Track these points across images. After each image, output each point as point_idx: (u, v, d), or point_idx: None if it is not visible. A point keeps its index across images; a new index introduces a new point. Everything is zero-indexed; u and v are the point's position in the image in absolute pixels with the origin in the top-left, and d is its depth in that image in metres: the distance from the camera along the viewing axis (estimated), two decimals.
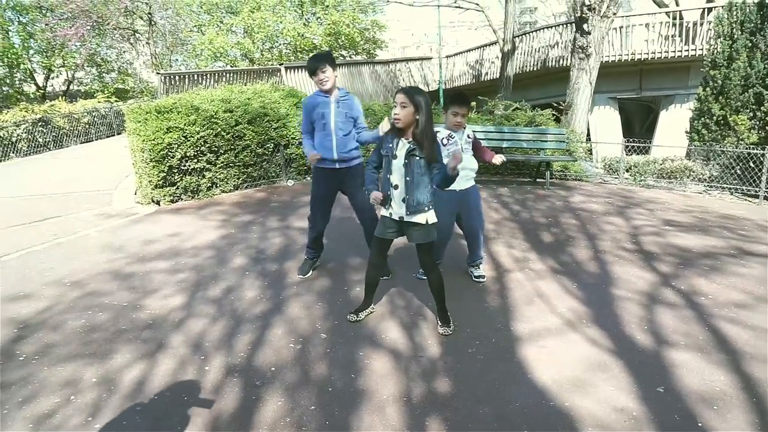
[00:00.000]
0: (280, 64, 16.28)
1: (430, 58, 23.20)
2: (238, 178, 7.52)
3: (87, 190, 8.14)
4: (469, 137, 3.87)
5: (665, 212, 6.32)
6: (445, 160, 3.77)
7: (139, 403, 2.64)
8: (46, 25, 20.22)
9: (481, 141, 4.05)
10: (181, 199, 7.03)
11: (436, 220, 3.17)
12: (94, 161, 11.56)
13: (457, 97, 3.78)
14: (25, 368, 2.98)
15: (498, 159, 3.96)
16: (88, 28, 20.19)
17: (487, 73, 20.13)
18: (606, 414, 2.50)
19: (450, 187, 3.81)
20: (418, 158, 2.99)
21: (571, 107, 10.48)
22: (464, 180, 3.83)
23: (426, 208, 3.09)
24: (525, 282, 4.14)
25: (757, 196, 7.41)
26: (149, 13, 21.91)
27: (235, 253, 4.91)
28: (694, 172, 8.38)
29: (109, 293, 4.02)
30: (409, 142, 3.00)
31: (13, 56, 20.97)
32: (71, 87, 24.20)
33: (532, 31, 17.97)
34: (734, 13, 8.76)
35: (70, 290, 4.11)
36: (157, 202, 6.91)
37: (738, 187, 7.77)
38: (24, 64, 21.78)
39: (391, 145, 3.07)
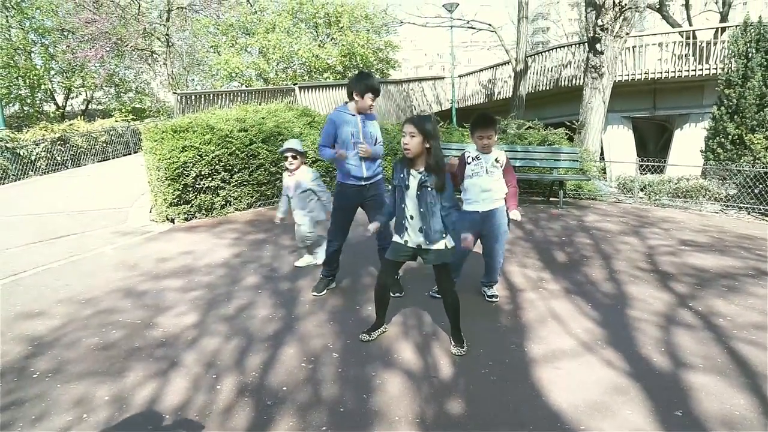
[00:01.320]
0: (294, 84, 16.50)
1: (443, 78, 23.35)
2: (252, 197, 7.57)
3: (103, 208, 8.24)
4: (497, 161, 3.81)
5: (681, 232, 6.24)
6: (467, 183, 3.79)
7: (151, 423, 2.63)
8: (67, 46, 20.75)
9: (512, 167, 4.00)
10: (195, 217, 7.09)
11: (453, 244, 3.16)
12: (110, 179, 11.73)
13: (479, 120, 3.76)
14: (39, 386, 3.00)
15: (514, 214, 3.81)
16: (108, 49, 20.67)
17: (499, 93, 20.21)
18: None
19: (473, 209, 3.81)
20: (429, 189, 2.99)
21: (585, 126, 10.47)
22: (487, 202, 3.80)
23: (444, 235, 3.10)
24: (539, 302, 4.09)
25: None
26: (167, 35, 22.39)
27: (248, 271, 4.92)
28: (709, 191, 8.30)
29: (123, 311, 4.05)
30: (419, 173, 3.01)
31: (35, 77, 21.53)
32: (90, 106, 24.72)
33: (544, 51, 18.06)
34: (749, 32, 8.75)
35: (84, 308, 4.14)
36: (172, 220, 6.98)
37: (755, 206, 7.67)
38: (45, 84, 22.34)
39: (402, 176, 3.08)
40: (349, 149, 3.93)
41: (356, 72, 4.33)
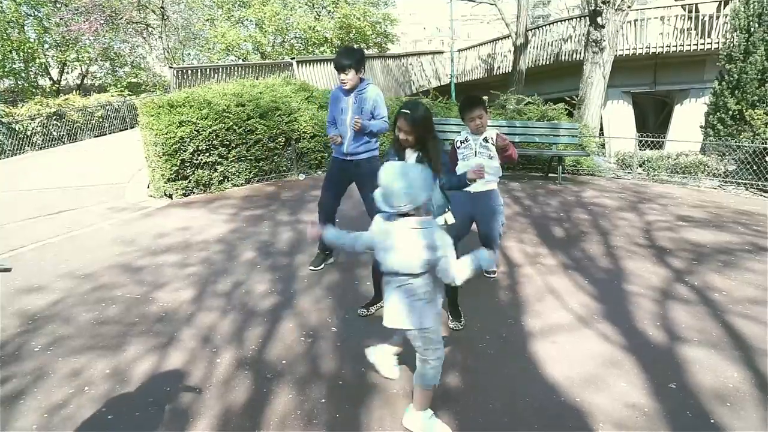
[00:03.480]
0: (291, 59, 16.28)
1: (442, 52, 23.06)
2: (250, 172, 7.54)
3: (100, 184, 8.21)
4: (486, 140, 3.70)
5: (679, 207, 6.25)
6: (460, 164, 3.74)
7: (151, 395, 2.67)
8: (61, 19, 20.40)
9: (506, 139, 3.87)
10: (193, 193, 7.07)
11: (454, 220, 3.15)
12: (107, 155, 11.66)
13: (465, 103, 3.72)
14: (39, 359, 3.02)
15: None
16: (102, 22, 20.32)
17: (499, 67, 19.98)
18: (618, 410, 2.48)
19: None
20: (425, 164, 2.96)
21: (584, 101, 10.39)
22: (480, 182, 3.75)
23: (444, 210, 3.09)
24: (536, 277, 4.11)
25: None
26: (162, 8, 21.99)
27: (246, 246, 4.93)
28: (708, 167, 8.28)
29: (121, 286, 4.06)
30: (417, 155, 2.97)
31: (29, 50, 21.20)
32: (85, 81, 24.41)
33: (545, 25, 17.80)
34: (751, 5, 8.61)
35: (83, 283, 4.15)
36: (170, 196, 6.96)
37: (753, 182, 7.66)
38: (39, 58, 22.02)
39: (396, 158, 3.05)
40: (340, 126, 4.04)
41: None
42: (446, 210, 3.10)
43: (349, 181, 4.16)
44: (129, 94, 19.79)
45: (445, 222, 3.10)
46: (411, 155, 3.01)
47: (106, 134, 16.34)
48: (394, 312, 2.21)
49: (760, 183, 7.55)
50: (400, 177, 2.08)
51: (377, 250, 2.22)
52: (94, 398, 2.64)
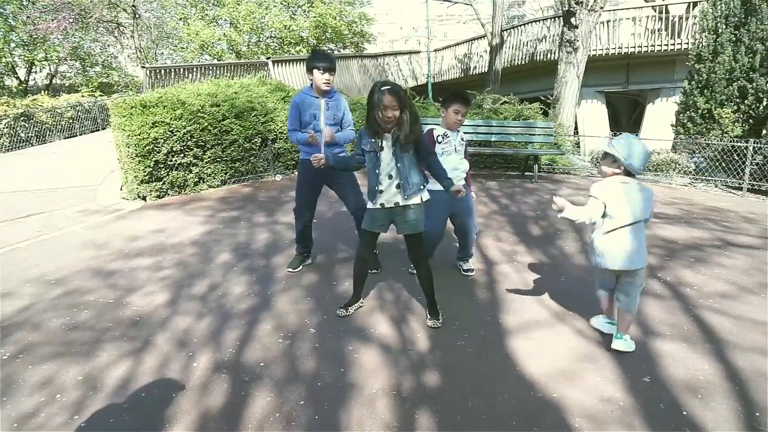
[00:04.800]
0: (267, 58, 16.15)
1: (419, 52, 23.15)
2: (226, 173, 7.46)
3: (71, 186, 8.02)
4: (463, 139, 3.85)
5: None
6: (441, 159, 3.77)
7: (126, 401, 2.61)
8: (28, 17, 19.87)
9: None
10: (168, 195, 6.96)
11: (428, 197, 3.22)
12: (78, 156, 11.40)
13: (460, 95, 3.73)
14: (8, 367, 2.93)
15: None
16: (71, 20, 19.87)
17: (475, 67, 20.13)
18: (593, 404, 2.52)
19: (440, 188, 3.81)
20: (403, 144, 3.01)
21: (559, 101, 10.52)
22: (456, 180, 3.79)
23: (422, 187, 3.15)
24: (513, 275, 4.15)
25: (741, 188, 7.50)
26: (133, 6, 21.61)
27: (222, 248, 4.87)
28: (679, 164, 8.47)
29: (93, 290, 3.97)
30: (393, 131, 3.00)
31: None
32: (54, 81, 23.85)
33: (520, 25, 17.99)
34: (718, 7, 8.83)
35: (54, 288, 4.05)
36: (144, 198, 6.84)
37: (722, 179, 7.86)
38: (5, 57, 21.39)
39: (372, 140, 3.05)
40: (314, 130, 3.86)
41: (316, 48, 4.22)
42: (422, 188, 3.17)
43: (323, 182, 4.08)
44: (100, 95, 19.40)
45: (421, 200, 3.16)
46: (387, 139, 3.02)
47: (76, 135, 15.99)
48: (634, 254, 2.84)
49: (729, 180, 7.75)
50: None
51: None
52: (66, 406, 2.58)
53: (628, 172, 2.81)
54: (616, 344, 2.95)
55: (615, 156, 2.76)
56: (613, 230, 2.83)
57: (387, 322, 3.39)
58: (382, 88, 2.91)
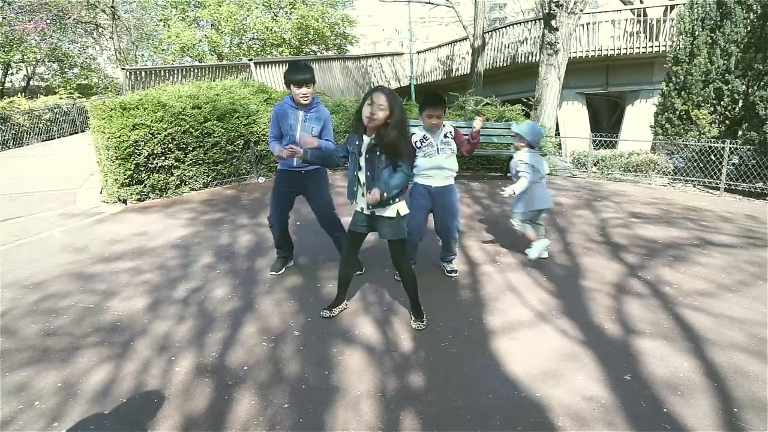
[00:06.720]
0: (249, 60, 16.06)
1: (402, 54, 23.19)
2: (208, 176, 7.39)
3: (50, 190, 7.88)
4: (446, 136, 3.80)
5: (631, 205, 6.47)
6: (420, 161, 3.77)
7: (107, 407, 2.57)
8: (4, 18, 19.47)
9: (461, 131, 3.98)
10: (149, 198, 6.88)
11: (407, 211, 3.14)
12: (56, 159, 11.21)
13: (430, 98, 3.71)
14: None
15: (478, 123, 3.93)
16: (48, 21, 19.52)
17: (457, 69, 20.23)
18: (576, 403, 2.54)
19: (424, 183, 3.82)
20: (378, 153, 2.96)
21: (540, 102, 10.62)
22: (440, 178, 3.80)
23: (392, 201, 3.04)
24: (497, 275, 4.18)
25: (718, 188, 7.64)
26: (112, 7, 21.32)
27: (204, 251, 4.82)
28: (658, 165, 8.60)
29: (72, 295, 3.91)
30: (371, 139, 2.97)
31: None
32: (31, 83, 23.42)
33: (501, 27, 18.15)
34: (695, 10, 8.99)
35: (32, 292, 3.97)
36: (124, 201, 6.74)
37: (700, 179, 8.01)
38: None
39: (357, 143, 3.04)
40: (286, 140, 3.80)
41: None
42: (394, 201, 3.05)
43: (297, 193, 4.06)
44: (79, 97, 19.10)
45: (397, 213, 3.07)
46: (365, 143, 2.99)
47: (54, 138, 15.72)
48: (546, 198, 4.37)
49: (706, 180, 7.89)
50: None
51: None
52: (44, 413, 2.53)
53: (531, 146, 4.18)
54: (533, 252, 4.22)
55: (522, 135, 4.16)
56: (535, 183, 4.16)
57: (371, 324, 3.39)
58: (378, 88, 2.92)
